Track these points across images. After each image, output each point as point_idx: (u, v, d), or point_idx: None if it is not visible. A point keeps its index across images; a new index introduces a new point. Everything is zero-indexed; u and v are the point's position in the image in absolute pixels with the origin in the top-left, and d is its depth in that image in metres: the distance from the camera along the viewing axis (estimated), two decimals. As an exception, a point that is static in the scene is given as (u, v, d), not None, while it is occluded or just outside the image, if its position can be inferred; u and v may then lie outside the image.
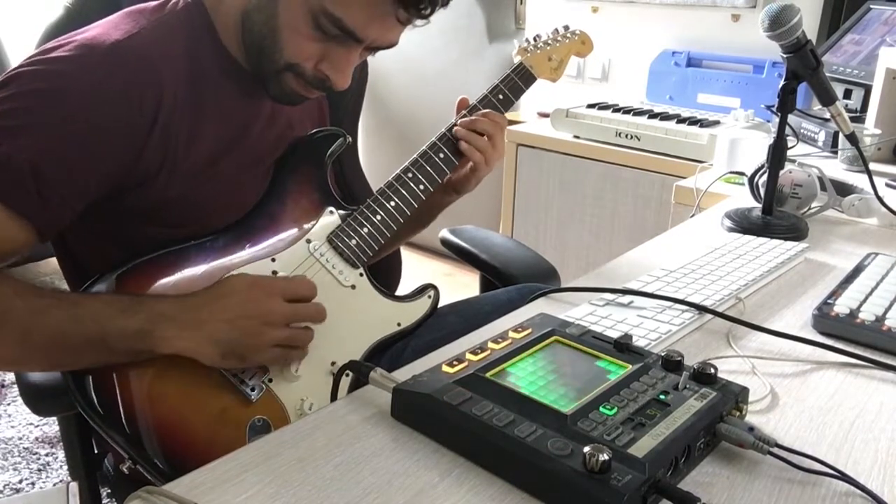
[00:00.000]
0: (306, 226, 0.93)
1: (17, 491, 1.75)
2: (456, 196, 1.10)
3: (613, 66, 2.52)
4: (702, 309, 0.83)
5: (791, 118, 1.43)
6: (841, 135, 1.15)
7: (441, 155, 1.00)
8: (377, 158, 3.25)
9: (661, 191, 1.90)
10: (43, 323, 0.73)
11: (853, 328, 0.80)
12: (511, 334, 0.71)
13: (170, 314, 0.77)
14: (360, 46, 0.84)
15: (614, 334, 0.72)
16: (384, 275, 1.22)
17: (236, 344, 0.78)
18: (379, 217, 0.95)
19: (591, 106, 2.16)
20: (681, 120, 1.97)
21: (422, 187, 0.99)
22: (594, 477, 0.51)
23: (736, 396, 0.62)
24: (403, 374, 0.66)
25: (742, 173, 1.31)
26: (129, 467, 0.80)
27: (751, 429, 0.59)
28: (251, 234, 0.90)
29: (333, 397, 0.70)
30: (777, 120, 1.10)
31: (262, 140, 0.93)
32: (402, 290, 1.04)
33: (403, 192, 0.97)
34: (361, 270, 0.94)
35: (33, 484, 1.78)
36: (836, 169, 1.53)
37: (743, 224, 1.13)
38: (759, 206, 1.15)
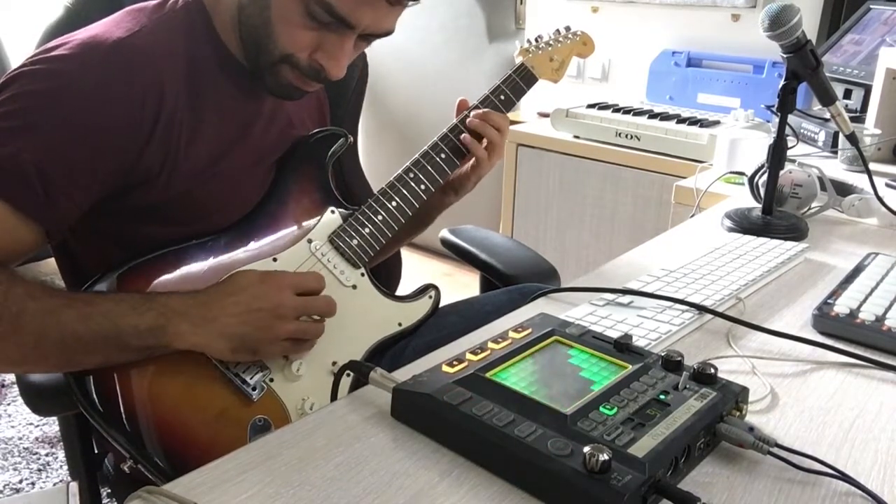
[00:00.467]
0: (308, 225, 0.93)
1: (17, 491, 1.75)
2: (454, 196, 1.10)
3: (613, 66, 2.52)
4: (702, 309, 0.83)
5: (791, 118, 1.43)
6: (841, 135, 1.15)
7: (443, 155, 1.01)
8: (377, 158, 3.25)
9: (661, 191, 1.90)
10: (55, 323, 0.73)
11: (853, 328, 0.80)
12: (511, 334, 0.71)
13: (181, 310, 0.77)
14: (353, 33, 0.83)
15: (614, 334, 0.72)
16: (384, 275, 1.22)
17: (248, 337, 0.78)
18: (380, 217, 0.96)
19: (591, 106, 2.16)
20: (681, 120, 1.97)
21: (423, 187, 0.99)
22: (594, 477, 0.51)
23: (736, 396, 0.62)
24: (403, 374, 0.66)
25: (742, 173, 1.31)
26: (131, 466, 0.80)
27: (751, 429, 0.59)
28: (252, 234, 0.90)
29: (333, 397, 0.70)
30: (777, 120, 1.10)
31: (263, 139, 0.93)
32: (402, 291, 1.04)
33: (405, 192, 0.97)
34: (363, 270, 0.94)
35: (33, 484, 1.78)
36: (836, 169, 1.53)
37: (743, 224, 1.13)
38: (759, 206, 1.15)
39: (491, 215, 2.73)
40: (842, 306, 0.82)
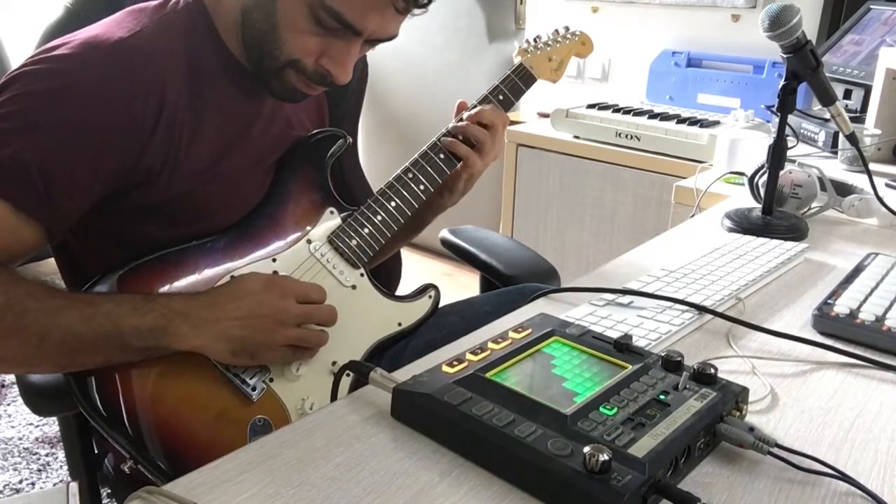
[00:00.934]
0: (307, 226, 0.93)
1: (17, 491, 1.75)
2: (449, 197, 1.09)
3: (613, 66, 2.52)
4: (702, 309, 0.83)
5: (791, 118, 1.43)
6: (841, 135, 1.15)
7: (441, 155, 1.00)
8: (377, 158, 3.25)
9: (661, 191, 1.90)
10: (57, 324, 0.73)
11: (853, 328, 0.80)
12: (511, 334, 0.71)
13: (183, 311, 0.77)
14: (359, 39, 0.83)
15: (614, 334, 0.72)
16: (384, 275, 1.22)
17: (248, 342, 0.79)
18: (380, 217, 0.96)
19: (591, 106, 2.16)
20: (681, 120, 1.97)
21: (422, 188, 0.99)
22: (594, 477, 0.51)
23: (736, 396, 0.62)
24: (403, 374, 0.66)
25: (742, 173, 1.31)
26: (131, 467, 0.80)
27: (751, 429, 0.59)
28: (252, 235, 0.90)
29: (333, 397, 0.70)
30: (777, 120, 1.10)
31: (263, 140, 0.93)
32: (402, 291, 1.04)
33: (404, 192, 0.97)
34: (362, 271, 0.94)
35: (33, 484, 1.78)
36: (836, 169, 1.53)
37: (743, 224, 1.13)
38: (759, 206, 1.15)
39: (491, 215, 2.73)
40: (842, 306, 0.82)
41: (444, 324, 0.99)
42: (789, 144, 1.12)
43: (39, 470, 1.83)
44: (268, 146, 0.94)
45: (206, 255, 0.87)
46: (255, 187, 0.93)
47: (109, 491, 1.06)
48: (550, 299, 0.89)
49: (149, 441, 0.78)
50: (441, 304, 1.02)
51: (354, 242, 0.94)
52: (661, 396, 0.61)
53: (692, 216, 1.30)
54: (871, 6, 1.90)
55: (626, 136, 1.99)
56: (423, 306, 0.98)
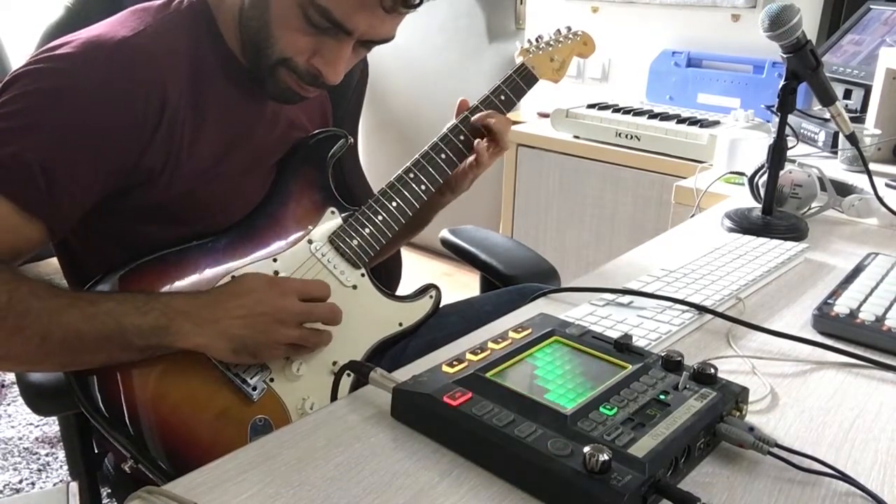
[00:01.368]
0: (308, 226, 0.93)
1: (17, 491, 1.75)
2: (451, 195, 1.09)
3: (613, 66, 2.52)
4: (702, 309, 0.83)
5: (791, 118, 1.42)
6: (841, 135, 1.15)
7: (443, 155, 1.00)
8: (377, 159, 3.25)
9: (661, 191, 1.90)
10: (60, 322, 0.73)
11: (853, 328, 0.80)
12: (511, 334, 0.71)
13: (185, 310, 0.78)
14: (350, 39, 0.83)
15: (614, 334, 0.72)
16: (384, 275, 1.22)
17: (249, 340, 0.79)
18: (381, 217, 0.96)
19: (591, 106, 2.16)
20: (681, 120, 1.97)
21: (423, 187, 0.99)
22: (594, 477, 0.51)
23: (736, 396, 0.62)
24: (403, 374, 0.66)
25: (742, 173, 1.31)
26: (132, 466, 0.80)
27: (751, 429, 0.59)
28: (253, 235, 0.90)
29: (333, 397, 0.70)
30: (777, 120, 1.10)
31: (265, 140, 0.94)
32: (402, 291, 1.04)
33: (405, 192, 0.98)
34: (363, 271, 0.94)
35: (33, 484, 1.78)
36: (836, 169, 1.53)
37: (743, 224, 1.13)
38: (759, 206, 1.15)
39: (491, 215, 2.73)
40: (842, 306, 0.82)
41: (444, 324, 0.99)
42: (789, 144, 1.12)
43: (39, 470, 1.83)
44: (269, 146, 0.94)
45: (207, 254, 0.87)
46: (257, 187, 0.93)
47: (109, 491, 1.06)
48: (550, 299, 0.89)
49: (149, 440, 0.78)
50: (441, 305, 1.02)
51: (355, 242, 0.94)
52: (661, 396, 0.61)
53: (692, 216, 1.30)
54: (871, 6, 1.90)
55: (626, 136, 1.99)
56: (424, 306, 0.98)
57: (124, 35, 0.80)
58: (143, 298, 0.78)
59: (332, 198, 0.97)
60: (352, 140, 1.02)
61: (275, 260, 0.89)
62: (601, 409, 0.59)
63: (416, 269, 2.83)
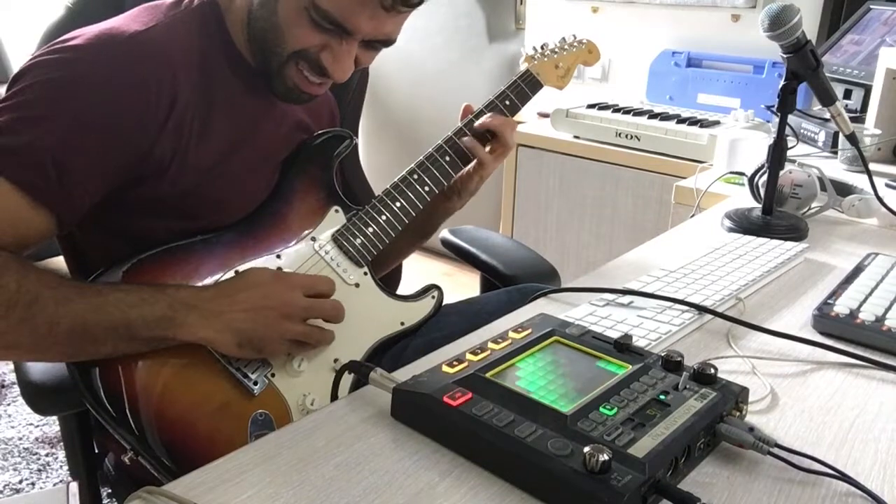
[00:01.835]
0: (312, 225, 0.94)
1: (17, 491, 1.75)
2: (458, 201, 1.09)
3: (613, 66, 2.52)
4: (702, 309, 0.83)
5: (791, 118, 1.43)
6: (841, 135, 1.15)
7: (447, 158, 1.01)
8: (377, 159, 3.25)
9: (661, 191, 1.90)
10: (67, 312, 0.74)
11: (853, 328, 0.80)
12: (511, 334, 0.71)
13: (190, 302, 0.78)
14: (354, 39, 0.84)
15: (614, 334, 0.72)
16: (386, 275, 1.22)
17: (254, 334, 0.79)
18: (384, 217, 0.96)
19: (591, 106, 2.16)
20: (681, 120, 1.97)
21: (427, 189, 0.99)
22: (594, 477, 0.51)
23: (736, 396, 0.62)
24: (403, 374, 0.66)
25: (742, 173, 1.31)
26: (131, 458, 0.80)
27: (751, 429, 0.59)
28: (257, 232, 0.91)
29: (334, 397, 0.70)
30: (777, 120, 1.10)
31: (272, 138, 0.94)
32: (403, 290, 1.04)
33: (409, 193, 0.98)
34: (366, 269, 0.95)
35: (33, 484, 1.78)
36: (836, 169, 1.53)
37: (743, 224, 1.13)
38: (759, 206, 1.15)
39: (491, 215, 2.73)
40: (842, 306, 0.82)
41: (444, 324, 0.99)
42: (789, 144, 1.12)
43: (39, 470, 1.83)
44: (276, 145, 0.95)
45: (211, 250, 0.87)
46: (262, 185, 0.93)
47: (109, 491, 1.06)
48: (550, 299, 0.89)
49: (149, 432, 0.79)
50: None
51: (359, 241, 0.94)
52: (661, 396, 0.61)
53: (692, 216, 1.30)
54: (871, 6, 1.90)
55: (626, 136, 1.99)
56: (426, 306, 0.98)
57: (136, 29, 0.81)
58: (149, 290, 0.78)
59: (337, 197, 0.97)
60: (356, 140, 1.02)
61: (278, 257, 0.90)
62: (601, 409, 0.59)
63: (416, 269, 2.82)
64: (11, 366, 1.51)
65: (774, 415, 0.66)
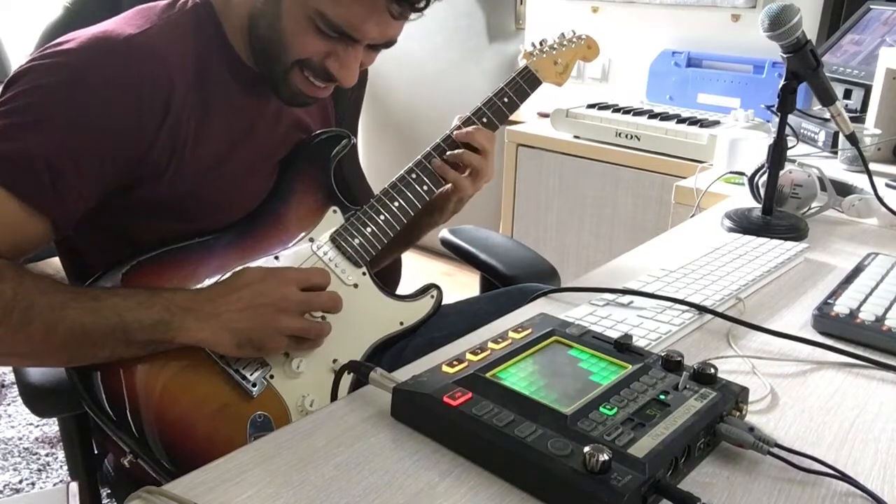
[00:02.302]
0: (310, 225, 0.94)
1: (17, 491, 1.75)
2: (439, 216, 1.09)
3: (613, 66, 2.52)
4: (702, 309, 0.83)
5: (791, 118, 1.43)
6: (841, 135, 1.15)
7: (446, 155, 1.01)
8: (377, 158, 3.25)
9: (661, 191, 1.90)
10: (64, 318, 0.74)
11: (853, 328, 0.80)
12: (511, 334, 0.71)
13: (187, 305, 0.78)
14: (360, 45, 0.84)
15: (614, 334, 0.72)
16: (385, 275, 1.22)
17: (252, 332, 0.79)
18: (383, 217, 0.96)
19: (591, 106, 2.16)
20: (681, 120, 1.97)
21: (426, 188, 0.99)
22: (594, 477, 0.51)
23: (736, 396, 0.62)
24: (403, 374, 0.66)
25: (742, 173, 1.31)
26: (131, 461, 0.80)
27: (751, 429, 0.59)
28: (255, 233, 0.91)
29: (333, 397, 0.70)
30: (777, 120, 1.10)
31: (269, 139, 0.94)
32: (402, 290, 1.04)
33: (407, 192, 0.98)
34: (364, 269, 0.95)
35: (33, 484, 1.78)
36: (836, 169, 1.53)
37: (743, 224, 1.13)
38: (759, 206, 1.15)
39: (491, 215, 2.73)
40: (842, 306, 0.82)
41: (444, 324, 0.99)
42: (789, 144, 1.12)
43: (39, 470, 1.83)
44: (273, 146, 0.95)
45: (210, 252, 0.87)
46: (260, 186, 0.93)
47: (109, 491, 1.06)
48: (550, 299, 0.89)
49: (149, 435, 0.79)
50: (441, 304, 1.02)
51: (357, 241, 0.94)
52: (661, 396, 0.61)
53: (692, 216, 1.30)
54: (871, 6, 1.90)
55: (626, 135, 1.99)
56: (425, 306, 0.98)
57: (130, 33, 0.80)
58: (145, 294, 0.78)
59: (335, 197, 0.97)
60: (355, 140, 1.02)
61: (276, 258, 0.90)
62: (601, 409, 0.59)
63: (416, 269, 2.82)
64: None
65: (774, 415, 0.66)
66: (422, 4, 0.83)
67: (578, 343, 0.70)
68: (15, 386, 2.02)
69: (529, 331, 0.72)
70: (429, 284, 1.01)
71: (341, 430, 0.62)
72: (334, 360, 0.89)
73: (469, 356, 0.67)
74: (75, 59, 0.77)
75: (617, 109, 2.11)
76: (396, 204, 0.97)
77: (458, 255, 1.32)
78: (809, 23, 2.08)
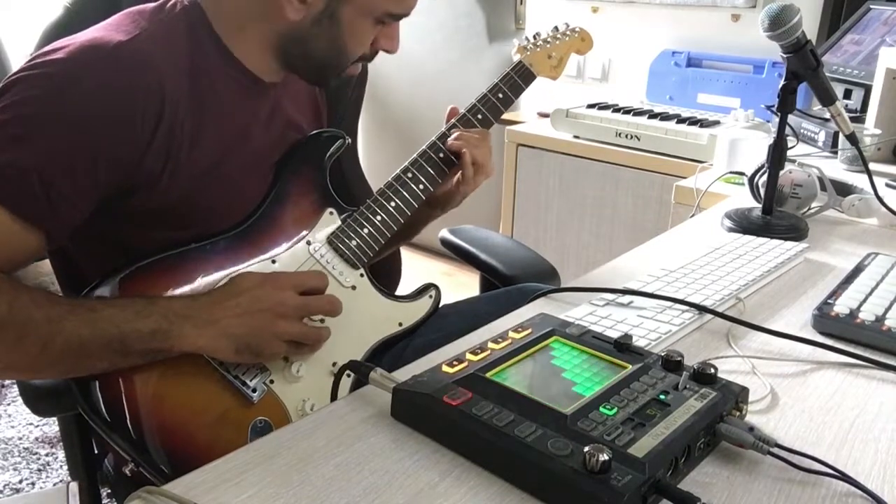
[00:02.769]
0: (307, 227, 0.93)
1: (17, 491, 1.75)
2: (440, 211, 1.10)
3: (613, 66, 2.52)
4: (702, 309, 0.83)
5: (791, 118, 1.42)
6: (841, 135, 1.15)
7: (441, 154, 1.01)
8: (377, 158, 3.25)
9: (661, 191, 1.90)
10: (60, 330, 0.73)
11: (853, 328, 0.80)
12: (511, 334, 0.71)
13: (184, 313, 0.77)
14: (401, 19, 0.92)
15: (614, 334, 0.72)
16: (384, 275, 1.22)
17: (250, 338, 0.79)
18: (379, 218, 0.96)
19: (591, 106, 2.16)
20: (681, 120, 1.97)
21: (422, 187, 0.99)
22: (594, 477, 0.51)
23: (736, 396, 0.62)
24: (403, 374, 0.66)
25: (742, 173, 1.31)
26: (132, 469, 0.80)
27: (751, 429, 0.59)
28: (252, 237, 0.90)
29: (333, 397, 0.70)
30: (777, 120, 1.10)
31: (263, 141, 0.93)
32: (402, 291, 1.04)
33: (404, 192, 0.97)
34: (362, 271, 0.94)
35: (33, 484, 1.78)
36: (836, 169, 1.53)
37: (743, 224, 1.13)
38: (759, 206, 1.15)
39: (491, 215, 2.73)
40: (842, 306, 0.82)
41: (444, 324, 0.99)
42: (789, 144, 1.12)
43: (39, 470, 1.83)
44: (267, 148, 0.94)
45: (206, 257, 0.86)
46: (255, 189, 0.93)
47: (109, 491, 1.06)
48: (550, 299, 0.89)
49: (150, 444, 0.78)
50: (441, 304, 1.02)
51: (354, 243, 0.94)
52: (661, 396, 0.61)
53: (692, 216, 1.30)
54: (871, 6, 1.90)
55: (626, 135, 1.99)
56: (423, 306, 0.98)
57: (120, 39, 0.79)
58: (142, 303, 0.77)
59: (331, 199, 0.97)
60: (350, 140, 1.02)
61: (273, 261, 0.89)
62: (601, 408, 0.59)
63: (416, 268, 2.82)
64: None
65: (774, 415, 0.66)
66: None
67: (578, 343, 0.70)
68: (15, 386, 2.02)
69: (529, 331, 0.72)
70: (427, 284, 1.01)
71: (341, 430, 0.62)
72: (334, 363, 0.89)
73: (469, 356, 0.67)
74: (65, 69, 0.76)
75: (617, 109, 2.11)
76: (393, 204, 0.97)
77: (458, 254, 1.32)
78: (809, 23, 2.08)
